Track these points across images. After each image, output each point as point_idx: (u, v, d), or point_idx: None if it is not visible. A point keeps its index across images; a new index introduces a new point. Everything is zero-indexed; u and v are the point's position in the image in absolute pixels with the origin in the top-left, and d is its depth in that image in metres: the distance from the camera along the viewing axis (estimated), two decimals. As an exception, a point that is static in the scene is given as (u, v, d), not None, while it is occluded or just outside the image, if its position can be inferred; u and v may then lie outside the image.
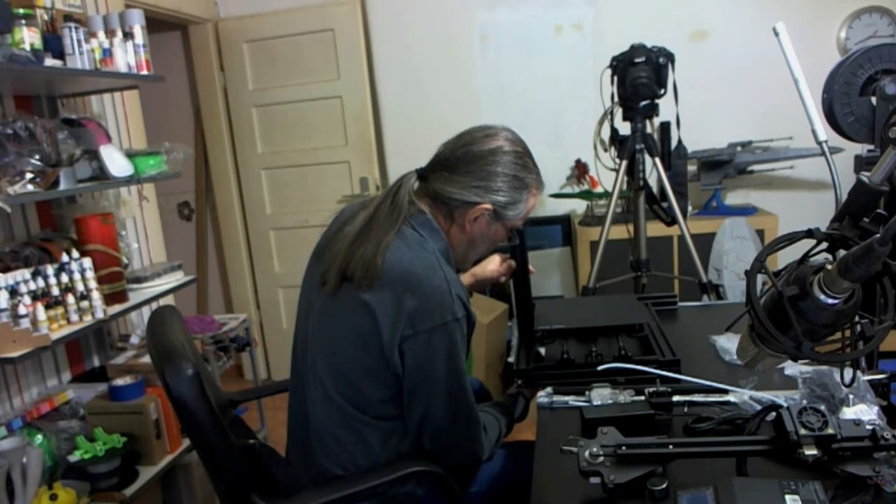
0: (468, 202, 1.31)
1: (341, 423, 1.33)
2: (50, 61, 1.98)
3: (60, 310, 1.88)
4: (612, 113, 2.55)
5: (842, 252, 0.91)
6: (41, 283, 1.86)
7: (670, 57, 2.41)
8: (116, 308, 2.10)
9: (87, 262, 1.99)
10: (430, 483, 1.36)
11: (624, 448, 0.98)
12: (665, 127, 2.59)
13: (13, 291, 1.78)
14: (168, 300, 2.85)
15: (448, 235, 1.36)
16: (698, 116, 2.77)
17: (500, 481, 1.45)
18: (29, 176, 1.81)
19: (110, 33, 2.15)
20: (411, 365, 1.24)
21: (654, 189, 2.66)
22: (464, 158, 1.32)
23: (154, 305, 2.38)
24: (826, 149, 1.39)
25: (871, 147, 1.40)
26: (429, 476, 1.32)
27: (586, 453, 0.98)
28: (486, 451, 1.36)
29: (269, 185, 3.84)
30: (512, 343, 1.68)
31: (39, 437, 2.05)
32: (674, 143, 2.61)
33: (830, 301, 0.86)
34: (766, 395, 1.23)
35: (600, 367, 1.40)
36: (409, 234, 1.30)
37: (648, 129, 2.52)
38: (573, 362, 1.47)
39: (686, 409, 1.24)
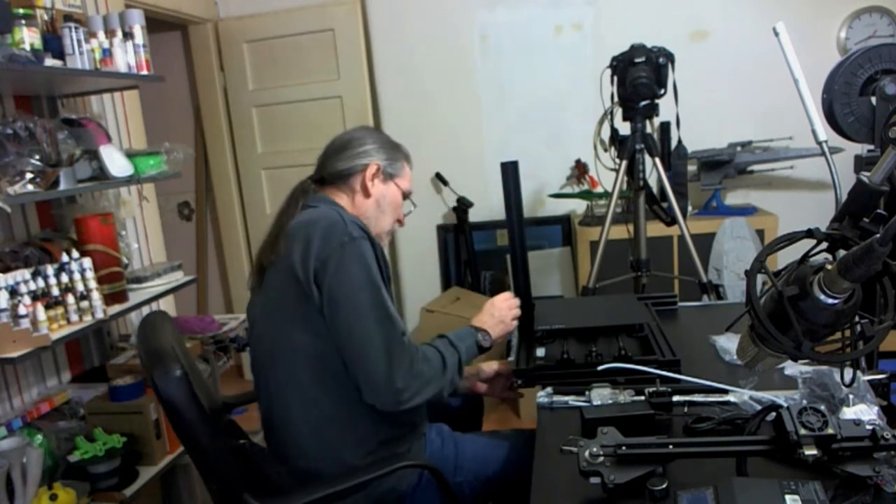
0: (358, 165, 1.52)
1: (301, 407, 1.38)
2: (50, 61, 1.98)
3: (60, 310, 1.88)
4: (612, 113, 2.55)
5: (842, 252, 0.91)
6: (41, 283, 1.86)
7: (670, 57, 2.41)
8: (116, 308, 2.10)
9: (87, 262, 1.99)
10: (416, 476, 1.40)
11: (624, 448, 0.98)
12: (665, 127, 2.59)
13: (13, 291, 1.78)
14: (168, 300, 2.85)
15: (354, 206, 1.52)
16: (698, 116, 2.77)
17: (488, 469, 1.48)
18: (29, 176, 1.81)
19: (110, 33, 2.14)
20: (328, 294, 1.31)
21: (654, 189, 2.66)
22: (341, 146, 1.56)
23: (154, 305, 2.38)
24: (826, 149, 1.39)
25: (871, 147, 1.40)
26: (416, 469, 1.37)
27: (586, 453, 0.97)
28: (431, 375, 1.34)
29: (269, 185, 3.84)
30: (512, 343, 1.68)
31: (39, 437, 2.05)
32: (674, 143, 2.60)
33: (830, 301, 0.86)
34: (766, 395, 1.23)
35: (600, 367, 1.40)
36: (305, 211, 1.46)
37: (648, 129, 2.52)
38: (573, 362, 1.47)
39: (686, 409, 1.24)
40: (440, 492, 1.39)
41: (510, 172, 1.61)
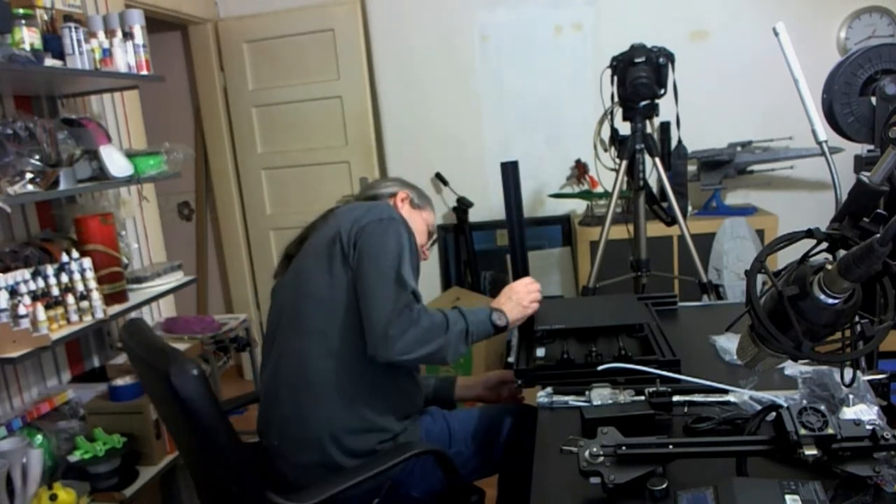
0: (389, 192, 1.67)
1: (321, 357, 1.44)
2: (50, 61, 1.98)
3: (60, 310, 1.88)
4: (612, 113, 2.55)
5: (842, 252, 0.91)
6: (41, 283, 1.86)
7: (670, 57, 2.41)
8: (116, 308, 2.10)
9: (87, 262, 1.99)
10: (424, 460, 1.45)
11: (624, 448, 0.98)
12: (665, 127, 2.58)
13: (13, 291, 1.78)
14: (168, 300, 2.85)
15: None
16: (698, 116, 2.77)
17: (479, 438, 1.55)
18: (29, 176, 1.81)
19: (110, 33, 2.15)
20: (359, 252, 1.43)
21: (654, 189, 2.66)
22: (373, 183, 1.75)
23: (154, 305, 2.38)
24: (826, 149, 1.39)
25: (871, 147, 1.40)
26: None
27: (586, 453, 0.97)
28: (429, 327, 1.39)
29: (269, 185, 3.84)
30: (512, 343, 1.68)
31: (39, 437, 2.05)
32: (674, 143, 2.60)
33: (830, 301, 0.86)
34: (766, 395, 1.22)
35: (600, 367, 1.40)
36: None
37: (648, 129, 2.51)
38: (573, 362, 1.47)
39: (686, 409, 1.24)
40: (439, 466, 1.44)
41: (510, 172, 1.61)
